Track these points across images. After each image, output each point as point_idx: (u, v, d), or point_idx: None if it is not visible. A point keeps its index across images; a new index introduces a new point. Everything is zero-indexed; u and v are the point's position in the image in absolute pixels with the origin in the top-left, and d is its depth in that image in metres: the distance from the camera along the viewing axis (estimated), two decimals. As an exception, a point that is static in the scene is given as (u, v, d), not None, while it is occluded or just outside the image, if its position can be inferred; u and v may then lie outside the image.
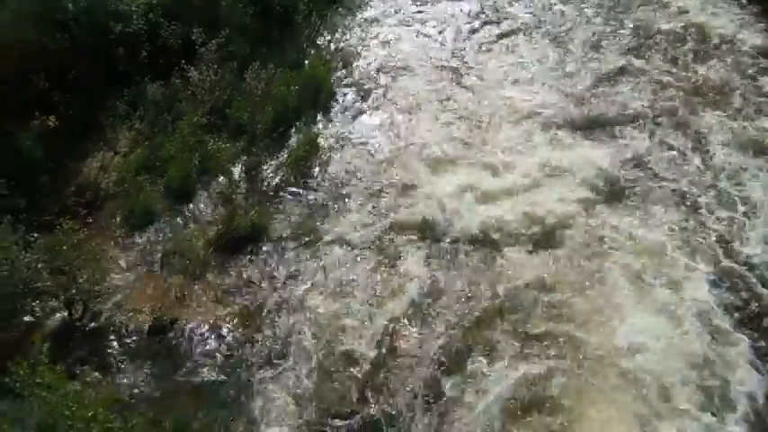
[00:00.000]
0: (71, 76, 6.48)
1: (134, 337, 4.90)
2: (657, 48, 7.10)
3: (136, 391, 4.57)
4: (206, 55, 6.83)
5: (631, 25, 7.51)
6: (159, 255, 5.51)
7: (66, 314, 5.00)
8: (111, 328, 4.93)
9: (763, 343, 4.67)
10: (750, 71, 6.73)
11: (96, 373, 4.51)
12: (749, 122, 6.18)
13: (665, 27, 7.34)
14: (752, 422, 4.29)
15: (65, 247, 4.98)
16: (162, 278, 5.34)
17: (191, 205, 5.95)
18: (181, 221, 5.81)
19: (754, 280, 5.03)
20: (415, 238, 5.63)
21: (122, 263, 5.44)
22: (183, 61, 6.61)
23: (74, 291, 4.93)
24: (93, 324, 4.98)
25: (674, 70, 6.86)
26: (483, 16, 8.11)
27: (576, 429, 4.32)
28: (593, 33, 7.41)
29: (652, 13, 7.56)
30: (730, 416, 4.31)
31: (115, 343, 4.87)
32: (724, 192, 5.67)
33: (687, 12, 7.51)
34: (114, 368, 4.69)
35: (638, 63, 6.91)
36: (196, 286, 5.27)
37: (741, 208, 5.52)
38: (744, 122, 6.18)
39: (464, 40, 7.87)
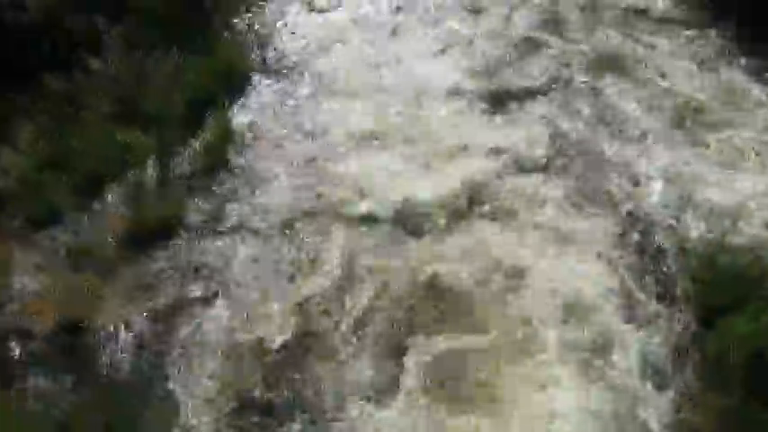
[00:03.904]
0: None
1: (38, 343, 4.68)
2: (566, 18, 7.21)
3: (40, 398, 4.38)
4: (111, 44, 6.54)
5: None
6: (66, 254, 5.30)
7: (-39, 325, 4.75)
8: (13, 335, 4.70)
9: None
10: (655, 38, 6.92)
11: (-8, 384, 4.31)
12: (653, 86, 6.35)
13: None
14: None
15: (-44, 254, 4.73)
16: (69, 278, 5.13)
17: (99, 200, 5.69)
18: (89, 218, 5.56)
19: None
20: (333, 218, 5.56)
21: (25, 265, 5.17)
22: (83, 51, 6.30)
23: (-31, 299, 4.69)
24: (-8, 333, 4.75)
25: (583, 39, 6.98)
26: (401, -7, 8.08)
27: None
28: (503, 5, 7.47)
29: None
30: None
31: (17, 350, 4.63)
32: (630, 153, 5.83)
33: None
34: (16, 377, 4.48)
35: (547, 34, 7.00)
36: (106, 284, 5.08)
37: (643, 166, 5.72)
38: (648, 86, 6.36)
39: (383, 20, 7.78)
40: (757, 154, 5.74)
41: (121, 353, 4.70)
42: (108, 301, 4.99)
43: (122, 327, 4.81)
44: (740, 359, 4.03)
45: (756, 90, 6.19)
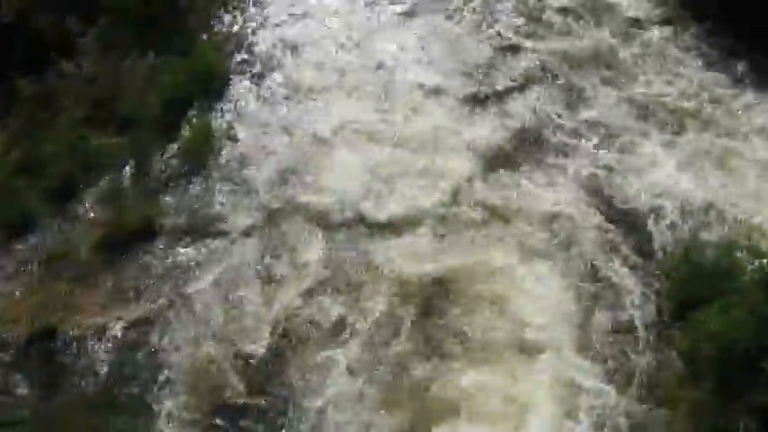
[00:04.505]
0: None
1: (11, 351, 4.63)
2: (545, 18, 7.25)
3: (14, 406, 4.33)
4: (85, 45, 6.46)
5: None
6: (41, 260, 5.23)
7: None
8: (-12, 343, 4.66)
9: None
10: (633, 37, 6.97)
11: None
12: (631, 85, 6.42)
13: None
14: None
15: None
16: (45, 284, 5.06)
17: (75, 205, 5.62)
18: (64, 223, 5.50)
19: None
20: (312, 219, 5.53)
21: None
22: (56, 53, 6.21)
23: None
24: (-35, 343, 4.68)
25: (563, 39, 7.03)
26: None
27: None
28: (482, 5, 7.49)
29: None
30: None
31: (-8, 358, 4.60)
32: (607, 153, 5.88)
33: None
34: (-9, 385, 4.43)
35: (526, 34, 7.02)
36: (82, 290, 5.01)
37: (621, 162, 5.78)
38: (626, 85, 6.42)
39: (362, 18, 7.75)
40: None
41: (98, 360, 4.64)
42: (85, 307, 4.92)
43: (99, 333, 4.76)
44: (711, 352, 4.10)
45: (721, 86, 6.33)
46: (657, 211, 5.21)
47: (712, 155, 5.65)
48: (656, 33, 6.98)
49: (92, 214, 5.57)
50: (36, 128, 6.03)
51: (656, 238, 5.02)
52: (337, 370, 4.52)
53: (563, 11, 7.45)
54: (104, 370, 4.58)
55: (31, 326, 4.74)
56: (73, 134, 5.92)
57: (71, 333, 4.75)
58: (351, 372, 4.51)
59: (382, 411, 4.32)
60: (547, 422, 4.20)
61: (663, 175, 5.46)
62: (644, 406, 4.26)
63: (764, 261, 4.30)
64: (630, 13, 7.39)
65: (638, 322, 4.59)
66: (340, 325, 4.78)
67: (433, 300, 4.93)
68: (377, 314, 4.85)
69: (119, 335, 4.76)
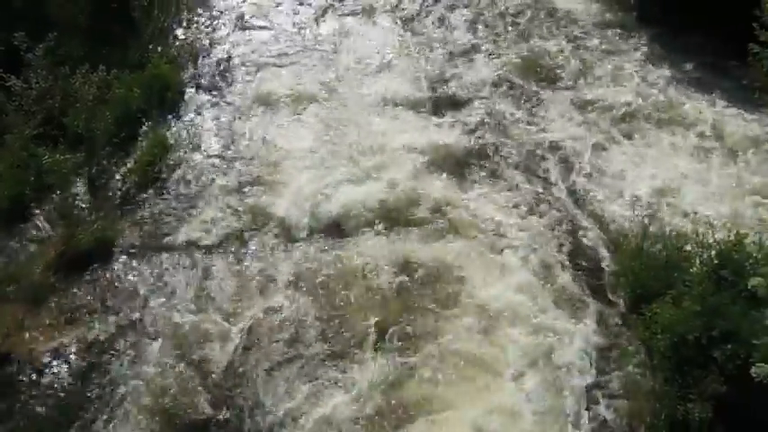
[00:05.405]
0: None
1: (-39, 378, 4.48)
2: (502, 25, 7.42)
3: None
4: (33, 61, 6.28)
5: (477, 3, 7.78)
6: (-10, 284, 5.08)
7: None
8: (-65, 372, 4.48)
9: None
10: (585, 42, 7.20)
11: None
12: (586, 91, 6.61)
13: (510, 4, 7.66)
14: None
15: None
16: (-5, 309, 4.92)
17: (26, 226, 5.47)
18: (15, 245, 5.34)
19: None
20: (273, 232, 5.51)
21: (-54, 299, 4.94)
22: (3, 70, 6.01)
23: None
24: None
25: (518, 45, 7.19)
26: (337, 2, 8.09)
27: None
28: (440, 13, 7.60)
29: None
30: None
31: (-61, 388, 4.42)
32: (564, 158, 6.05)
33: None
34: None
35: (483, 40, 7.17)
36: (35, 313, 4.86)
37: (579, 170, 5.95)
38: (580, 91, 6.62)
39: (318, 26, 7.82)
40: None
41: (54, 383, 4.50)
42: (38, 330, 4.77)
43: (54, 356, 4.62)
44: (665, 343, 4.20)
45: (673, 93, 6.59)
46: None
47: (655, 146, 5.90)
48: (604, 38, 7.24)
49: (45, 234, 5.43)
50: (-17, 147, 5.85)
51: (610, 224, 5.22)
52: (301, 380, 4.49)
53: (515, 16, 7.64)
54: (61, 394, 4.44)
55: (-19, 352, 4.59)
56: (24, 152, 5.75)
57: (25, 357, 4.59)
58: (316, 382, 4.48)
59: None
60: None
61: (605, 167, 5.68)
62: (605, 398, 4.36)
63: (712, 253, 4.41)
64: (582, 16, 7.64)
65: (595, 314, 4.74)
66: (303, 332, 4.75)
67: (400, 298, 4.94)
68: (340, 320, 4.84)
69: (74, 357, 4.63)
